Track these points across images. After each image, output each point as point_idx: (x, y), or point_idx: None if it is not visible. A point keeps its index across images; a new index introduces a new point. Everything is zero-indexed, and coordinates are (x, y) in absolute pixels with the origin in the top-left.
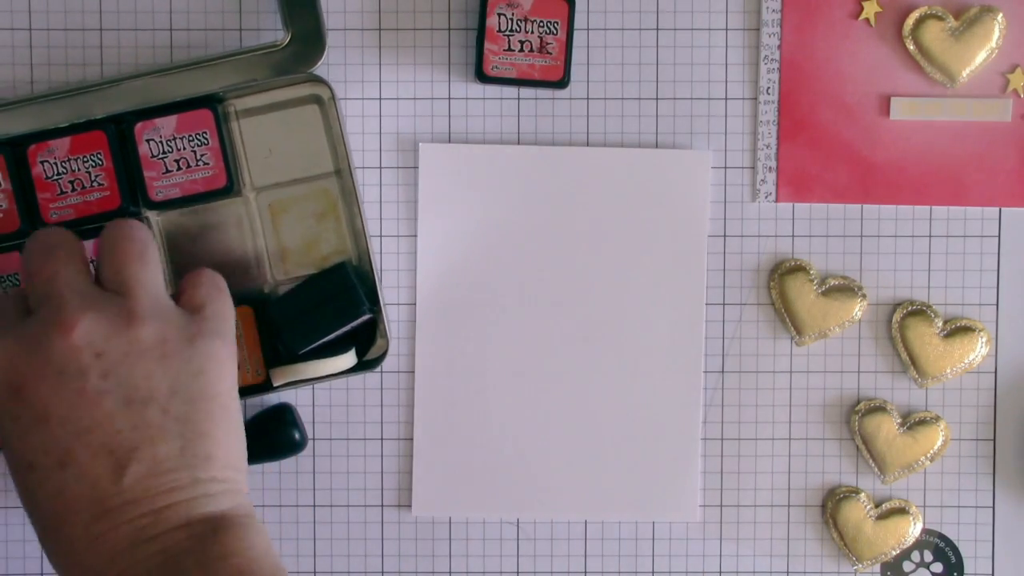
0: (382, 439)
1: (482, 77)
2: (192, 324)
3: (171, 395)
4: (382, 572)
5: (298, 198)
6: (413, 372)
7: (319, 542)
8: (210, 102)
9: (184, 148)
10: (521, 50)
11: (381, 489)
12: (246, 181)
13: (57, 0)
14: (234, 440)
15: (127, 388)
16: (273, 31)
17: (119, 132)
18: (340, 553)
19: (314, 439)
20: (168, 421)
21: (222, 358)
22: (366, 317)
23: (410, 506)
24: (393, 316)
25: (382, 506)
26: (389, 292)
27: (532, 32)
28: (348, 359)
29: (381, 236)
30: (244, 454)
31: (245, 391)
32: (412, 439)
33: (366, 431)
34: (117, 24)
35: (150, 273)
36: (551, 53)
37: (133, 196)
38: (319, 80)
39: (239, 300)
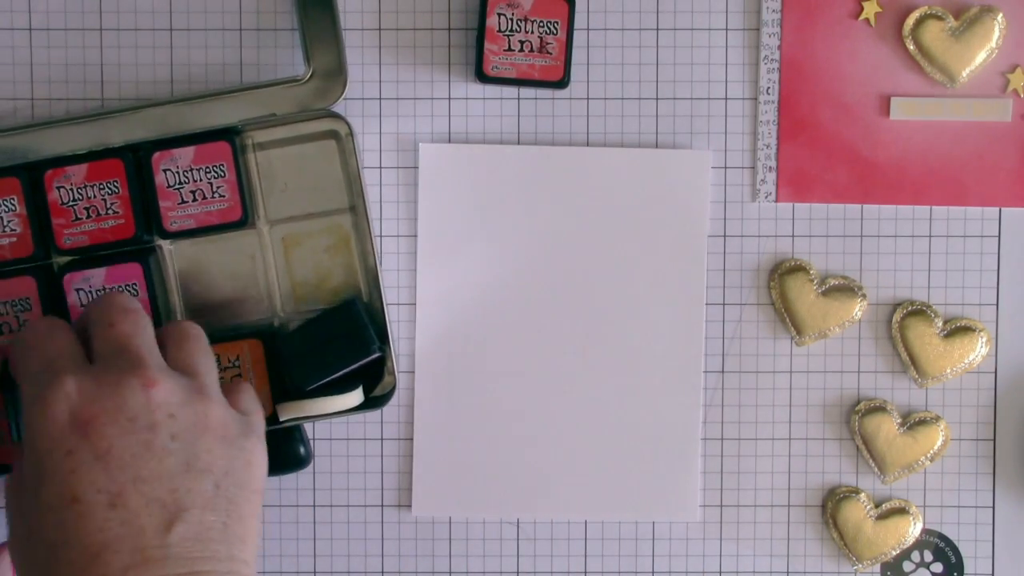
0: (382, 439)
1: (482, 77)
2: (245, 422)
3: (224, 475)
4: (382, 572)
5: (311, 232)
6: (413, 372)
7: (319, 542)
8: (228, 134)
9: (200, 180)
10: (521, 50)
11: (381, 489)
12: (260, 214)
13: (57, 0)
14: (258, 534)
15: (189, 455)
16: (273, 31)
17: (136, 160)
18: (340, 553)
19: (314, 439)
20: (218, 496)
21: (263, 460)
22: (375, 356)
23: (410, 506)
24: (393, 316)
25: (382, 506)
26: (389, 292)
27: (532, 32)
28: (355, 397)
29: (381, 236)
30: (257, 550)
31: None
32: (412, 439)
33: (366, 431)
34: (117, 24)
35: (213, 369)
36: (551, 53)
37: (148, 225)
38: (337, 116)
39: (248, 333)
